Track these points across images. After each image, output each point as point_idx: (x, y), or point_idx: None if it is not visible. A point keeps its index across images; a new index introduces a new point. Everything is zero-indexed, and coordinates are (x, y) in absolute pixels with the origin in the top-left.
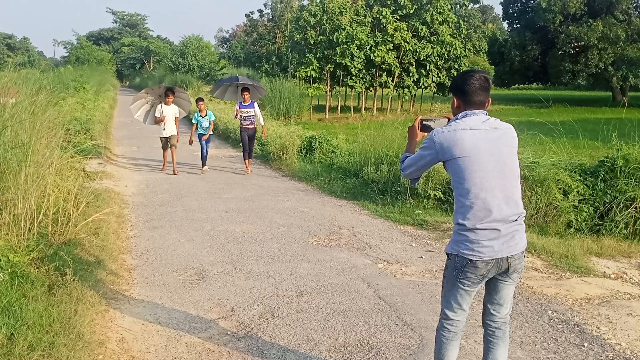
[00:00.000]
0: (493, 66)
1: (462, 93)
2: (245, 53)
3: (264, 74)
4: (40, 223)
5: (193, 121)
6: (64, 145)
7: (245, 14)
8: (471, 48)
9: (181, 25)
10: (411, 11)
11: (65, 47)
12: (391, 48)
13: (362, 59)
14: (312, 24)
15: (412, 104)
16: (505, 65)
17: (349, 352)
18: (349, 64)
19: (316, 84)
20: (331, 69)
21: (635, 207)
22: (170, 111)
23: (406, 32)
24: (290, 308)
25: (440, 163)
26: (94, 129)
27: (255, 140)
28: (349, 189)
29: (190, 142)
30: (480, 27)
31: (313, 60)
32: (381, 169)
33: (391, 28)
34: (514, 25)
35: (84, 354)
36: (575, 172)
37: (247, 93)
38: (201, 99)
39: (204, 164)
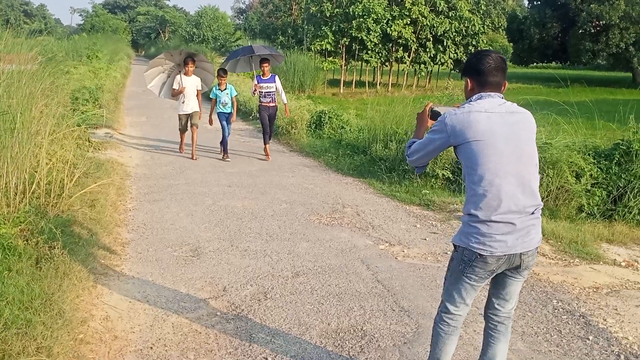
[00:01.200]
0: (512, 43)
1: (477, 73)
2: (261, 25)
3: (279, 47)
4: (32, 194)
5: (211, 96)
6: (66, 114)
7: None
8: (490, 24)
9: None
10: None
11: (80, 15)
12: (408, 22)
13: (378, 33)
14: None
15: (428, 80)
16: (524, 42)
17: (341, 338)
18: (365, 37)
19: (331, 58)
20: (347, 43)
21: None
22: (191, 83)
23: (424, 6)
24: (284, 289)
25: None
26: (103, 98)
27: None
28: (356, 166)
29: (210, 122)
30: (500, 3)
31: (329, 33)
32: (390, 147)
33: (409, 2)
34: (535, 2)
35: (63, 332)
36: (589, 154)
37: (266, 64)
38: (225, 72)
39: (225, 152)
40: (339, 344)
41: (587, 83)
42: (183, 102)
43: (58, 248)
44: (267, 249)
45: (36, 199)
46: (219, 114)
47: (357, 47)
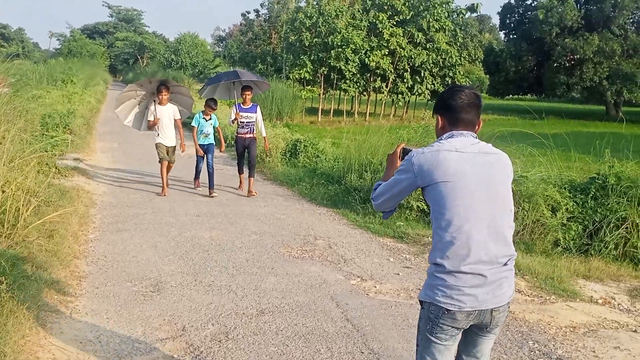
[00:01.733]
0: (488, 75)
1: (448, 110)
2: (241, 52)
3: (258, 74)
4: None
5: (193, 123)
6: (29, 139)
7: (242, 14)
8: (467, 57)
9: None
10: (408, 17)
11: (58, 40)
12: (386, 53)
13: (356, 63)
14: (307, 25)
15: (405, 110)
16: (500, 75)
17: None
18: (343, 67)
19: (310, 86)
20: (325, 72)
21: (626, 228)
22: (167, 112)
23: (402, 37)
24: (247, 329)
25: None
26: (74, 123)
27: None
28: (331, 196)
29: (201, 153)
30: (477, 36)
31: (307, 62)
32: (364, 177)
33: (387, 33)
34: (511, 36)
35: None
36: (564, 188)
37: (248, 92)
38: (215, 103)
39: (211, 186)
40: None
41: (561, 115)
42: (159, 135)
43: (6, 283)
44: (232, 284)
45: None
46: (200, 145)
47: (336, 76)
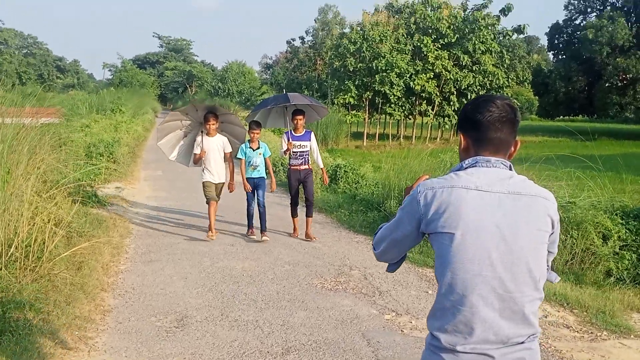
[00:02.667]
0: (537, 97)
1: (472, 126)
2: (287, 79)
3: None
4: (9, 257)
5: (239, 155)
6: (63, 169)
7: (287, 41)
8: (514, 78)
9: (226, 51)
10: (453, 40)
11: (110, 70)
12: (432, 77)
13: (401, 87)
14: (351, 51)
15: (452, 133)
16: (550, 96)
17: None
18: (388, 91)
19: (354, 111)
20: (370, 96)
21: None
22: (214, 144)
23: (447, 60)
24: None
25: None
26: (119, 152)
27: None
28: (369, 223)
29: (248, 188)
30: (525, 57)
31: (352, 87)
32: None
33: (432, 56)
34: (560, 56)
35: None
36: (616, 214)
37: (300, 117)
38: (258, 125)
39: (263, 228)
40: None
41: (614, 136)
42: (204, 170)
43: (26, 319)
44: (259, 319)
45: (12, 263)
46: (247, 179)
47: (381, 100)
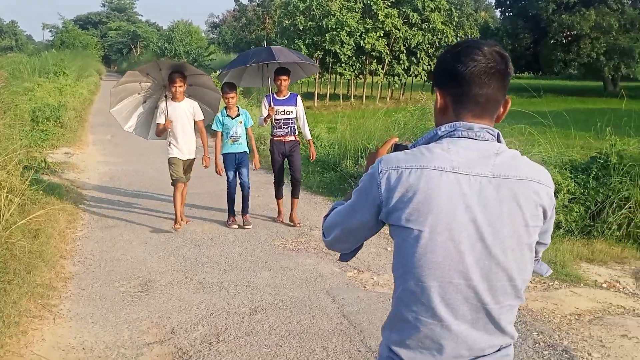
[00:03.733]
0: None
1: (453, 80)
2: (235, 39)
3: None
4: None
5: (215, 127)
6: (20, 135)
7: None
8: (463, 36)
9: (171, 10)
10: None
11: (50, 31)
12: (382, 35)
13: (352, 46)
14: (301, 9)
15: (402, 92)
16: None
17: None
18: (338, 50)
19: None
20: (320, 56)
21: (630, 208)
22: (183, 110)
23: (397, 19)
24: (239, 329)
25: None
26: (66, 116)
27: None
28: (326, 184)
29: (219, 171)
30: (472, 15)
31: (302, 46)
32: (361, 163)
33: (382, 15)
34: (507, 14)
35: None
36: (565, 168)
37: (285, 78)
38: (231, 87)
39: (244, 211)
40: None
41: (559, 93)
42: (170, 144)
43: None
44: (224, 281)
45: None
46: (226, 155)
47: (331, 60)
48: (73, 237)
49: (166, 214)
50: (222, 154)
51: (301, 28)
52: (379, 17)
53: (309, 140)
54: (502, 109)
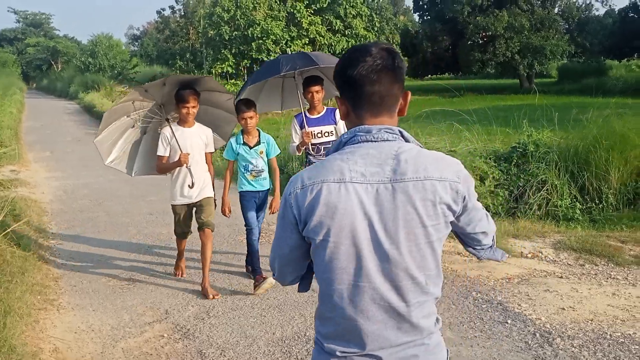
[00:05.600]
0: (407, 58)
1: (346, 84)
2: (158, 50)
3: (178, 71)
4: None
5: (226, 155)
6: None
7: (157, 11)
8: (385, 41)
9: (89, 24)
10: (325, 5)
11: None
12: (307, 42)
13: (278, 54)
14: (225, 19)
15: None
16: (418, 56)
17: (287, 345)
18: (265, 59)
19: (233, 80)
20: (248, 65)
21: (547, 190)
22: (195, 139)
23: (321, 26)
24: (225, 306)
25: None
26: (3, 135)
27: None
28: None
29: (226, 212)
30: (392, 19)
31: (229, 56)
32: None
33: (306, 22)
34: (425, 17)
35: None
36: (490, 158)
37: (317, 89)
38: (249, 104)
39: (255, 270)
40: (286, 350)
41: (478, 91)
42: (179, 182)
43: None
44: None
45: None
46: (245, 193)
47: (258, 68)
48: (48, 245)
49: (130, 221)
50: (240, 192)
51: (227, 38)
52: (303, 25)
53: None
54: (402, 101)
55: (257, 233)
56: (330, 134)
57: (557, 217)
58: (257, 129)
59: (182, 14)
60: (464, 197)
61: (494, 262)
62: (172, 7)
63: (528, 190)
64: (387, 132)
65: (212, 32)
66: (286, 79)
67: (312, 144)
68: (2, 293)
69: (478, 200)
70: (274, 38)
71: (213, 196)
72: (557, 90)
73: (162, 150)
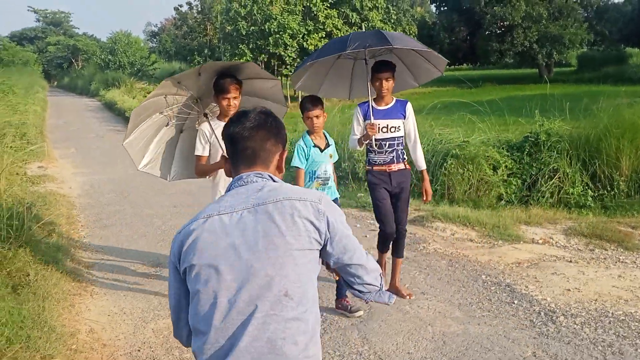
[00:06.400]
0: None
1: (228, 141)
2: (176, 46)
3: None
4: None
5: (297, 164)
6: (5, 150)
7: (174, 7)
8: (402, 32)
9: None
10: None
11: None
12: (324, 36)
13: (295, 48)
14: (242, 14)
15: None
16: (435, 47)
17: None
18: (282, 53)
19: None
20: (265, 59)
21: (559, 178)
22: None
23: (337, 19)
24: None
25: None
26: (30, 133)
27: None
28: (293, 177)
29: None
30: (409, 10)
31: (246, 51)
32: None
33: (322, 16)
34: (442, 8)
35: (59, 344)
36: (503, 148)
37: (388, 77)
38: (315, 102)
39: (340, 293)
40: None
41: (497, 82)
42: (222, 185)
43: (32, 274)
44: None
45: None
46: None
47: (276, 62)
48: (79, 236)
49: (153, 212)
50: None
51: (244, 33)
52: (319, 19)
53: (422, 170)
54: (278, 158)
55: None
56: (397, 130)
57: (569, 204)
58: (323, 130)
59: (199, 9)
60: (328, 219)
61: (505, 248)
62: (189, 3)
63: (540, 179)
64: (256, 175)
65: (229, 27)
66: (357, 61)
67: (375, 140)
68: (39, 280)
69: (492, 189)
70: (291, 32)
71: None
72: (576, 79)
73: (201, 150)
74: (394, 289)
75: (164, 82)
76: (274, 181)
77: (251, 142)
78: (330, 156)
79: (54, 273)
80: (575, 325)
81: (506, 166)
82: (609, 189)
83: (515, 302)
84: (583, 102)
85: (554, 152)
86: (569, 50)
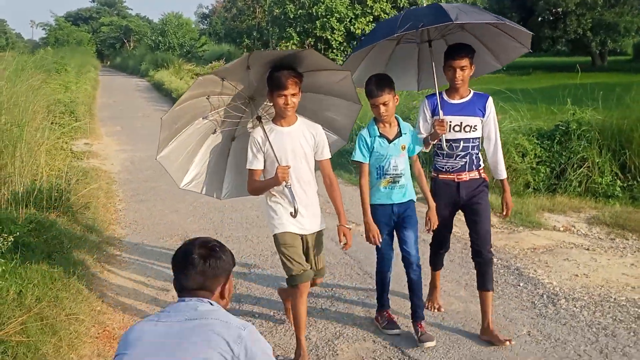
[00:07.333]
0: None
1: (173, 271)
2: (226, 29)
3: (245, 50)
4: (35, 198)
5: (358, 157)
6: (50, 126)
7: None
8: None
9: (160, 2)
10: None
11: (43, 29)
12: (371, 20)
13: (342, 32)
14: None
15: None
16: None
17: (315, 295)
18: (329, 37)
19: None
20: (312, 43)
21: (587, 167)
22: (297, 142)
23: (385, 3)
24: (265, 265)
25: None
26: (78, 111)
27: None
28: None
29: (375, 239)
30: None
31: (293, 34)
32: (354, 140)
33: (370, 0)
34: None
35: (84, 305)
36: (533, 136)
37: (465, 63)
38: (383, 84)
39: (417, 315)
40: (313, 301)
41: (548, 69)
42: (277, 206)
43: (66, 242)
44: (247, 235)
45: (39, 203)
46: (377, 207)
47: (323, 46)
48: (115, 209)
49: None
50: (371, 206)
51: (292, 16)
52: (367, 3)
53: (502, 180)
54: (220, 289)
55: (391, 262)
56: (473, 130)
57: (597, 193)
58: (395, 116)
59: None
60: (246, 346)
61: (524, 234)
62: None
63: (569, 168)
64: (198, 300)
65: (277, 10)
66: (423, 45)
67: (446, 140)
68: (73, 247)
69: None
70: (338, 16)
71: (322, 230)
72: (631, 68)
73: (254, 162)
74: (487, 335)
75: (203, 80)
76: (212, 305)
77: (187, 280)
78: (403, 147)
79: (87, 242)
80: (575, 309)
81: (535, 154)
82: (639, 179)
83: (521, 284)
84: (616, 92)
85: (583, 141)
86: (624, 39)
